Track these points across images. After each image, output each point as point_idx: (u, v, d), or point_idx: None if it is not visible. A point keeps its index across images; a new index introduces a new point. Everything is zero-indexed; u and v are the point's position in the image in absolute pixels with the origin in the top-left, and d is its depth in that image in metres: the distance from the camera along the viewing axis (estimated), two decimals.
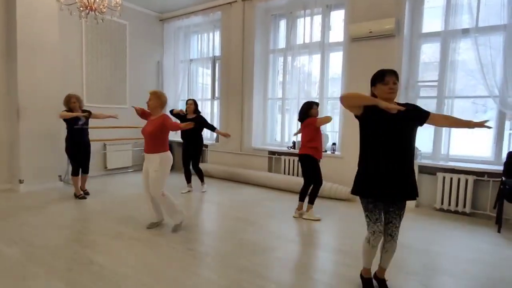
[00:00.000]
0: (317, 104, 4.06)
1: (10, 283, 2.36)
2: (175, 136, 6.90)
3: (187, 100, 5.19)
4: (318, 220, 3.95)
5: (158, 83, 7.57)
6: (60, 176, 5.41)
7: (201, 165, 6.82)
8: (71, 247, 2.99)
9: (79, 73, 6.08)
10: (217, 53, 6.87)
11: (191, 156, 5.18)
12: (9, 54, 4.94)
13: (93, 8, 3.89)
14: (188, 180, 5.29)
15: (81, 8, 3.87)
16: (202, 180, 5.33)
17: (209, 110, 7.17)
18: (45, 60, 5.11)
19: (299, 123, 4.15)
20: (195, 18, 6.87)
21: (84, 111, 4.64)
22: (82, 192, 4.69)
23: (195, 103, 5.14)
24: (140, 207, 4.25)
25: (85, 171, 4.78)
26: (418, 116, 2.19)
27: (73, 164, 4.65)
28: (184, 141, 5.19)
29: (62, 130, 4.84)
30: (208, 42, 7.03)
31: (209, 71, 7.19)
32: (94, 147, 6.22)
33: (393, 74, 2.10)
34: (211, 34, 6.95)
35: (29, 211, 4.03)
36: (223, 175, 6.39)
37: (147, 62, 7.32)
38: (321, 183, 4.01)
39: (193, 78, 7.48)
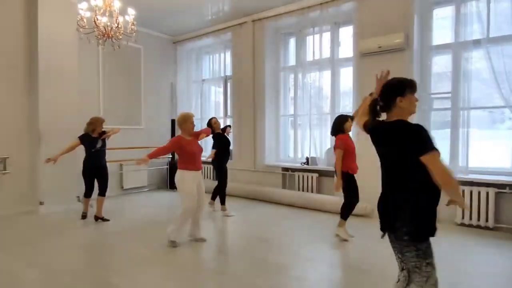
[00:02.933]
0: (351, 117, 3.82)
1: None
2: None
3: (212, 118, 5.28)
4: (346, 240, 3.78)
5: (172, 103, 7.75)
6: (78, 197, 5.52)
7: (214, 183, 6.86)
8: (90, 270, 3.03)
9: (96, 97, 6.29)
10: (229, 72, 7.01)
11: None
12: (31, 82, 5.19)
13: (110, 35, 4.07)
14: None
15: (99, 36, 4.06)
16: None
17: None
18: (65, 87, 5.33)
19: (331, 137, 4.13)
20: (207, 39, 7.07)
21: (103, 132, 4.71)
22: (86, 212, 4.75)
23: (217, 121, 5.29)
24: (157, 227, 4.29)
25: (102, 193, 4.71)
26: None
27: (85, 188, 4.70)
28: (224, 157, 5.25)
29: (79, 153, 4.98)
30: (220, 62, 7.20)
31: (221, 90, 7.33)
32: (111, 168, 6.36)
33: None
34: (222, 55, 7.12)
35: (48, 233, 4.11)
36: (237, 193, 6.38)
37: (161, 84, 7.52)
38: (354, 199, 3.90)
39: (205, 97, 7.64)
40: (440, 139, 4.78)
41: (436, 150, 1.60)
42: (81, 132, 4.70)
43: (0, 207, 4.92)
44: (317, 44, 5.65)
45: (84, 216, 4.70)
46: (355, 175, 3.89)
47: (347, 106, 5.58)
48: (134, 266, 3.11)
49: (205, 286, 2.71)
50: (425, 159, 1.60)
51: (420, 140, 1.64)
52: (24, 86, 5.19)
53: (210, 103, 7.66)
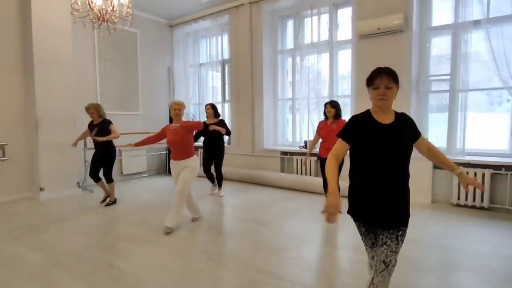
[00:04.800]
0: (329, 103, 4.21)
1: (36, 287, 2.45)
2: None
3: (206, 105, 5.21)
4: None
5: (169, 88, 7.69)
6: (78, 183, 5.56)
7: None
8: (92, 252, 3.08)
9: (93, 82, 6.24)
10: (226, 56, 6.94)
11: (214, 160, 5.19)
12: (26, 69, 5.12)
13: (105, 19, 4.00)
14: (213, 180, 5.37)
15: (94, 20, 3.99)
16: (220, 185, 5.32)
17: (220, 113, 7.22)
18: (60, 73, 5.27)
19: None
20: (204, 22, 6.96)
21: (103, 120, 4.61)
22: (105, 197, 4.86)
23: (212, 107, 5.10)
24: (156, 211, 4.34)
25: (108, 180, 4.74)
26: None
27: (90, 173, 4.77)
28: (205, 146, 5.17)
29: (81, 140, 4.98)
30: (217, 46, 7.11)
31: (219, 74, 7.27)
32: None
33: (387, 75, 1.65)
34: (219, 38, 7.03)
35: (50, 217, 4.16)
36: (236, 177, 6.44)
37: (158, 68, 7.45)
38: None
39: (203, 82, 7.58)
40: (438, 122, 4.81)
41: (342, 138, 1.73)
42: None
43: (1, 193, 4.96)
44: (315, 27, 5.58)
45: (104, 200, 4.82)
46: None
47: (345, 90, 5.57)
48: (134, 248, 3.16)
49: (204, 267, 2.77)
50: None
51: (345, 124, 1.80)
52: (20, 72, 5.13)
53: (208, 88, 7.61)
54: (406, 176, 1.76)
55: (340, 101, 5.67)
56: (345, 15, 5.40)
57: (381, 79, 1.65)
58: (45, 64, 5.08)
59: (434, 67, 4.80)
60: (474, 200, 4.26)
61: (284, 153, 6.10)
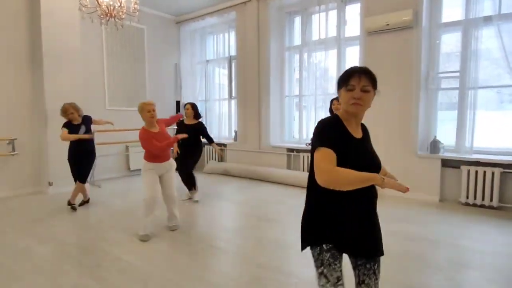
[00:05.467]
0: (336, 99, 3.89)
1: (43, 279, 2.49)
2: None
3: (185, 104, 4.79)
4: None
5: (176, 85, 7.71)
6: None
7: (220, 164, 6.93)
8: (99, 246, 3.12)
9: (101, 78, 6.28)
10: (233, 52, 6.93)
11: (189, 162, 4.74)
12: (35, 63, 5.18)
13: (113, 15, 4.02)
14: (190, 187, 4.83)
15: (102, 16, 4.01)
16: (192, 188, 4.82)
17: (227, 110, 7.25)
18: (69, 67, 5.31)
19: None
20: (210, 19, 6.95)
21: (85, 117, 4.30)
22: (75, 203, 4.39)
23: (193, 107, 4.71)
24: (162, 206, 4.37)
25: (82, 180, 4.37)
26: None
27: (72, 175, 4.37)
28: (181, 148, 4.59)
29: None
30: (224, 42, 7.11)
31: (226, 71, 7.27)
32: (118, 149, 6.43)
33: (366, 75, 1.35)
34: (226, 35, 7.02)
35: (58, 212, 4.21)
36: (242, 174, 6.44)
37: (165, 65, 7.47)
38: None
39: (210, 79, 7.58)
40: (447, 119, 4.75)
41: (325, 146, 1.30)
42: (86, 113, 4.68)
43: (10, 188, 5.04)
44: (323, 23, 5.54)
45: (71, 206, 4.35)
46: None
47: None
48: (140, 242, 3.18)
49: (210, 262, 2.79)
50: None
51: (315, 135, 1.37)
52: (29, 67, 5.19)
53: (214, 84, 7.61)
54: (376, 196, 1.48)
55: None
56: (353, 11, 5.35)
57: (359, 79, 1.34)
58: (53, 59, 5.13)
59: (444, 64, 4.74)
60: (483, 199, 4.21)
61: (291, 150, 6.08)
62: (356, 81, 1.34)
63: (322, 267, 1.40)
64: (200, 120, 4.83)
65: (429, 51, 4.64)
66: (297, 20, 6.16)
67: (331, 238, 1.38)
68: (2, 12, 4.91)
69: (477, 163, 4.23)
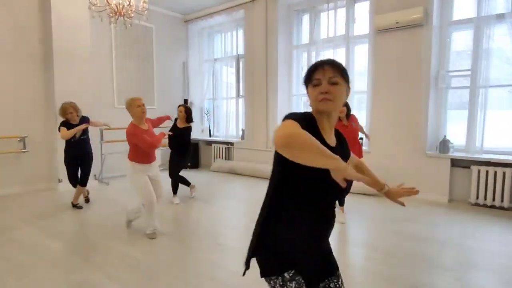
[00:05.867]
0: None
1: (56, 274, 2.53)
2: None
3: (179, 106, 4.67)
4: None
5: (184, 83, 7.75)
6: (95, 175, 5.68)
7: (227, 163, 6.95)
8: (108, 242, 3.15)
9: (110, 76, 6.34)
10: (241, 51, 6.93)
11: (180, 165, 4.69)
12: (46, 61, 5.25)
13: (122, 13, 4.05)
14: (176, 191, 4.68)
15: (111, 15, 4.05)
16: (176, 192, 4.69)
17: (234, 108, 7.26)
18: (79, 66, 5.38)
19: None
20: (219, 17, 6.96)
21: (82, 118, 4.22)
22: (79, 203, 4.33)
23: (186, 111, 4.57)
24: (167, 204, 4.40)
25: (83, 183, 4.31)
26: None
27: (69, 178, 4.27)
28: (174, 147, 4.59)
29: (95, 131, 5.06)
30: (232, 41, 7.12)
31: (233, 70, 7.27)
32: (127, 146, 6.49)
33: (331, 65, 1.16)
34: (234, 33, 7.03)
35: (67, 208, 4.27)
36: (249, 172, 6.45)
37: (173, 63, 7.50)
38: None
39: (217, 77, 7.60)
40: (457, 119, 4.69)
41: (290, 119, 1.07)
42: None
43: (21, 184, 5.12)
44: (332, 21, 5.50)
45: (76, 206, 4.28)
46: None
47: (361, 86, 5.48)
48: (147, 239, 3.21)
49: (216, 259, 2.80)
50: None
51: (284, 118, 1.12)
52: (40, 66, 5.26)
53: (222, 83, 7.63)
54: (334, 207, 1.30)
55: (356, 98, 5.63)
56: (362, 9, 5.30)
57: (323, 71, 1.15)
58: (64, 58, 5.20)
59: (454, 62, 4.67)
60: (493, 199, 4.14)
61: None
62: (321, 73, 1.16)
63: None
64: (191, 124, 4.67)
65: (439, 49, 4.58)
66: (305, 18, 6.14)
67: (293, 261, 1.15)
68: (14, 12, 4.98)
69: (488, 163, 4.17)
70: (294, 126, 1.01)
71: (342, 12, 5.43)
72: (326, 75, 1.15)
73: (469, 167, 4.33)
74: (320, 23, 5.77)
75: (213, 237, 3.31)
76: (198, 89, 7.61)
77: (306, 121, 1.11)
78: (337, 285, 1.29)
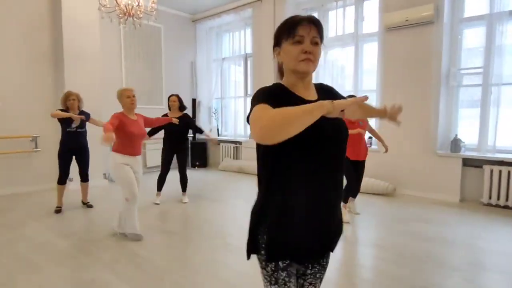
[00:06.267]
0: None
1: (64, 272, 2.56)
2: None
3: (170, 96, 4.55)
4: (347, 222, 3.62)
5: (192, 82, 7.78)
6: (104, 174, 5.75)
7: (235, 162, 6.96)
8: (116, 241, 3.18)
9: (119, 76, 6.40)
10: (249, 50, 6.92)
11: (180, 160, 4.57)
12: (57, 62, 5.34)
13: (131, 14, 4.09)
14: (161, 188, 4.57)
15: (120, 15, 4.08)
16: (185, 189, 4.64)
17: (242, 107, 7.26)
18: (89, 66, 5.45)
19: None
20: (227, 17, 6.96)
21: (82, 112, 4.15)
22: (61, 206, 4.12)
23: (179, 99, 4.53)
24: (176, 202, 4.42)
25: (84, 179, 4.28)
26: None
27: (60, 171, 4.10)
28: (167, 142, 4.49)
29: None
30: (240, 40, 7.12)
31: (241, 69, 7.27)
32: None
33: (315, 25, 1.06)
34: (242, 32, 7.02)
35: (77, 207, 4.33)
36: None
37: (181, 63, 7.54)
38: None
39: (225, 76, 7.61)
40: (469, 117, 4.61)
41: (263, 103, 0.98)
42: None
43: (33, 183, 5.21)
44: (340, 19, 5.45)
45: (58, 211, 4.06)
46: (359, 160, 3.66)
47: (370, 85, 5.42)
48: (155, 238, 3.24)
49: (224, 259, 2.80)
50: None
51: (252, 100, 1.05)
52: (50, 66, 5.35)
53: (230, 82, 7.64)
54: (343, 171, 1.17)
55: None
56: (371, 7, 5.24)
57: (309, 28, 1.05)
58: (74, 59, 5.28)
59: (466, 60, 4.58)
60: (507, 199, 4.06)
61: None
62: (306, 30, 1.04)
63: (276, 285, 1.12)
64: (185, 112, 4.59)
65: (450, 47, 4.51)
66: None
67: (289, 251, 1.09)
68: (25, 13, 5.07)
69: (501, 162, 4.09)
70: (263, 112, 0.93)
71: (350, 10, 5.38)
72: (311, 34, 1.05)
73: (481, 167, 4.25)
74: (329, 21, 5.73)
75: (222, 236, 3.32)
76: (206, 88, 7.63)
77: (276, 94, 1.05)
78: (321, 271, 1.22)
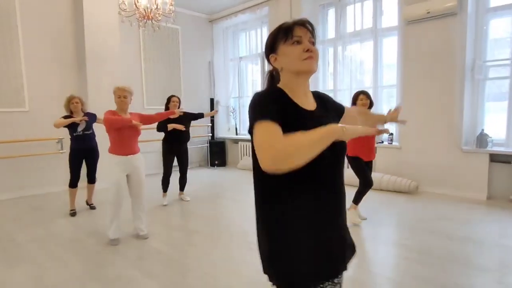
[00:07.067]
0: (364, 92, 3.45)
1: (91, 269, 2.65)
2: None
3: (172, 97, 4.51)
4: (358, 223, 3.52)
5: (210, 82, 7.85)
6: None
7: (242, 161, 6.99)
8: (140, 238, 3.26)
9: (139, 78, 6.54)
10: None
11: (181, 160, 4.60)
12: (80, 65, 5.52)
13: (150, 17, 4.16)
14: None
15: (139, 19, 4.17)
16: (183, 189, 4.76)
17: None
18: (110, 69, 5.61)
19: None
20: (243, 16, 6.98)
21: (87, 114, 4.15)
22: (75, 209, 4.16)
23: (179, 99, 4.56)
24: (198, 202, 4.48)
25: (91, 180, 4.33)
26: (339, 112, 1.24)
27: (71, 175, 4.15)
28: (173, 143, 4.47)
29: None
30: (256, 39, 7.12)
31: (258, 67, 7.27)
32: (154, 147, 6.67)
33: (308, 27, 1.07)
34: (259, 30, 7.02)
35: (102, 206, 4.45)
36: None
37: (199, 63, 7.62)
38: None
39: (243, 75, 7.64)
40: (496, 111, 4.43)
41: (266, 119, 0.93)
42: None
43: (61, 184, 5.39)
44: (358, 14, 5.36)
45: (73, 214, 4.08)
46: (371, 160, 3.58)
47: (390, 80, 5.30)
48: (179, 236, 3.30)
49: (246, 257, 2.82)
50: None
51: (251, 108, 1.01)
52: (74, 68, 5.54)
53: (247, 81, 7.65)
54: (343, 182, 1.14)
55: (385, 92, 5.45)
56: (390, 0, 5.12)
57: (305, 30, 1.06)
58: (96, 61, 5.45)
59: (492, 51, 4.40)
60: None
61: None
62: (303, 31, 1.05)
63: None
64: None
65: (475, 38, 4.34)
66: (331, 13, 6.01)
67: (310, 274, 1.05)
68: (48, 17, 5.26)
69: None
70: (273, 139, 0.89)
71: (369, 4, 5.27)
72: (307, 35, 1.06)
73: (509, 162, 4.08)
74: (347, 16, 5.64)
75: (243, 234, 3.34)
76: (224, 88, 7.68)
77: (278, 103, 1.00)
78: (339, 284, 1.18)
